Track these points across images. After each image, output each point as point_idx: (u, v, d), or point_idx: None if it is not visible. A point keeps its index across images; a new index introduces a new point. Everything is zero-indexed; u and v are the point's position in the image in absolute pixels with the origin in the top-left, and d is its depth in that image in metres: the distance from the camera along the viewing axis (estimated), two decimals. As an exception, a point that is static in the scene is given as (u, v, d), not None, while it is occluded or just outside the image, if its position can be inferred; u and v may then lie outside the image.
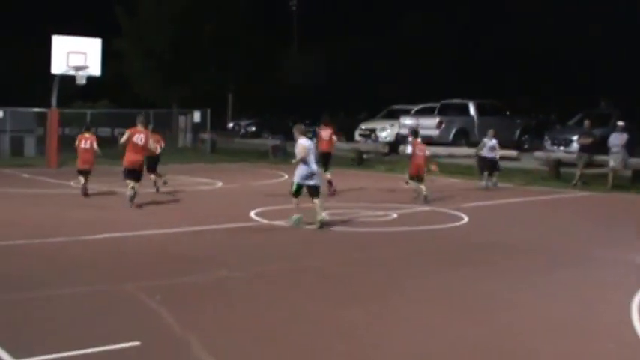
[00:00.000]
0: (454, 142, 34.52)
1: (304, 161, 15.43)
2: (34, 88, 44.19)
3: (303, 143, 15.50)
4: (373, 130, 39.58)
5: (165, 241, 14.02)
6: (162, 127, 40.03)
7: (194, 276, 10.94)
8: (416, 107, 38.77)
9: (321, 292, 10.08)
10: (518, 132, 37.66)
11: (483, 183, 23.80)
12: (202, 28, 43.34)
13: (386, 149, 34.18)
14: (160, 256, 12.47)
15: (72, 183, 22.65)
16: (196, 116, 42.27)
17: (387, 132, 38.64)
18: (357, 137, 40.18)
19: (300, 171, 15.51)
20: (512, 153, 29.52)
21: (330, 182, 20.94)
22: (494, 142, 24.18)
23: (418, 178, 20.15)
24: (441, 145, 32.68)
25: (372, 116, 42.93)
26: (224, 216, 16.96)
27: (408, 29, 53.57)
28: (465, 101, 36.72)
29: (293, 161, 15.84)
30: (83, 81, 29.98)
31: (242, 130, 55.30)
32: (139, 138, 18.44)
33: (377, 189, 23.52)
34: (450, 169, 28.45)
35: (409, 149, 20.61)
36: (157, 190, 21.26)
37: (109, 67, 32.96)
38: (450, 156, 31.29)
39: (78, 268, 11.32)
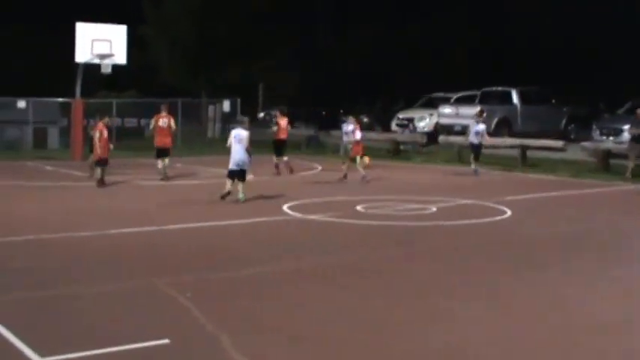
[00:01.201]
0: (496, 132, 34.20)
1: (232, 148, 18.18)
2: (57, 78, 44.48)
3: (231, 133, 18.53)
4: (411, 120, 39.38)
5: (195, 236, 14.10)
6: (190, 117, 40.33)
7: (225, 272, 10.98)
8: (455, 95, 38.57)
9: (356, 289, 10.07)
10: (564, 121, 37.30)
11: (473, 166, 25.37)
12: (224, 18, 43.25)
13: (424, 139, 34.03)
14: (189, 251, 12.54)
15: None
16: (226, 106, 42.32)
17: (425, 121, 38.43)
18: (393, 127, 40.02)
19: (231, 157, 18.17)
20: (558, 143, 29.20)
21: (285, 163, 24.80)
22: (480, 127, 25.64)
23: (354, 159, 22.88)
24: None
25: (409, 105, 42.72)
26: (256, 209, 17.01)
27: (447, 18, 53.33)
28: (507, 89, 36.43)
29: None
30: (108, 70, 30.17)
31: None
32: (164, 122, 23.03)
33: (414, 181, 23.46)
34: (491, 160, 28.28)
35: (358, 135, 23.04)
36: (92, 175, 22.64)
37: (135, 55, 33.12)
38: (492, 147, 31.07)
39: (104, 264, 11.42)
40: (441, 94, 40.08)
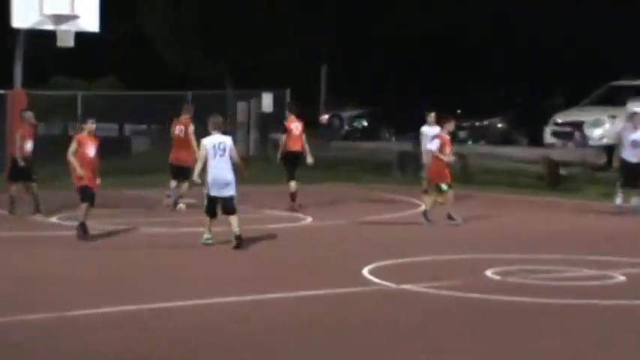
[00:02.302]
0: None
1: (209, 165, 19.66)
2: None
3: (203, 142, 20.12)
4: (578, 125, 39.14)
5: (221, 318, 14.03)
6: (204, 117, 40.50)
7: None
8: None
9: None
10: None
11: (618, 201, 25.68)
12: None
13: (602, 158, 33.82)
14: (210, 345, 12.40)
15: (54, 218, 23.07)
16: (266, 102, 42.52)
17: (603, 128, 38.18)
18: (548, 138, 39.86)
19: (208, 178, 19.72)
20: None
21: (292, 195, 26.17)
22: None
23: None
24: None
25: (573, 102, 42.60)
26: (318, 274, 17.09)
27: None
28: None
29: (195, 175, 20.32)
30: (70, 43, 30.37)
31: (345, 127, 55.64)
32: (180, 129, 26.08)
33: (588, 228, 23.25)
34: None
35: (435, 144, 23.28)
36: (36, 208, 24.00)
37: (115, 19, 33.40)
38: None
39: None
40: (628, 83, 39.75)
